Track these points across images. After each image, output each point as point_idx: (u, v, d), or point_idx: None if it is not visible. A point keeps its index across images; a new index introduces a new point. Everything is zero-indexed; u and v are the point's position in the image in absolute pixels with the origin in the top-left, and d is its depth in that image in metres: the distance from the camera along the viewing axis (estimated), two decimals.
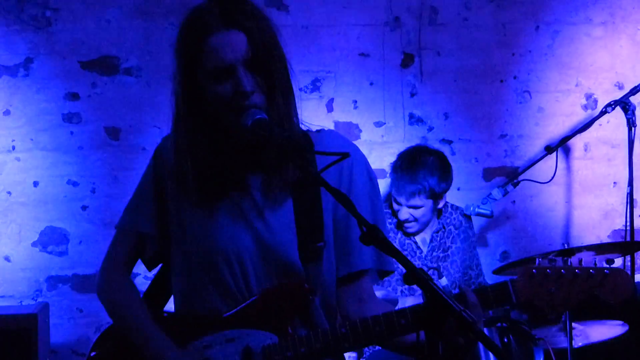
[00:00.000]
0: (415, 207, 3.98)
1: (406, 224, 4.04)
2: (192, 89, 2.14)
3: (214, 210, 2.21)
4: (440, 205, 4.06)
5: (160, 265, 2.41)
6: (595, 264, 2.14)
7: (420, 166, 3.98)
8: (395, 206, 4.06)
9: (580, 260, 2.18)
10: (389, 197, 4.15)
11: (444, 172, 4.03)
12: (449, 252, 4.12)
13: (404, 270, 1.71)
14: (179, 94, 2.19)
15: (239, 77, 2.07)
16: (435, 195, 3.99)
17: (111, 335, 2.35)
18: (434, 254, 4.08)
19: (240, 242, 2.19)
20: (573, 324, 3.72)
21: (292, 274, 2.20)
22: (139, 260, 2.38)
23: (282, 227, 2.20)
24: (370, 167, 2.32)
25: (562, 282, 2.10)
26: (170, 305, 2.42)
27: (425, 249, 4.10)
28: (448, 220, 4.16)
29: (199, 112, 2.14)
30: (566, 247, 3.68)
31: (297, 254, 2.19)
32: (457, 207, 4.23)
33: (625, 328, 3.92)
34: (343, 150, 2.05)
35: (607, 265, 2.14)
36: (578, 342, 3.76)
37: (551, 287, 2.10)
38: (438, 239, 4.12)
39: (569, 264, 2.14)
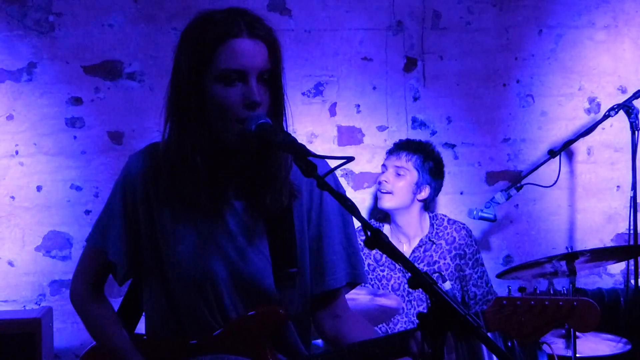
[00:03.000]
0: (399, 174, 3.99)
1: (382, 190, 4.00)
2: (194, 93, 2.10)
3: (187, 236, 2.18)
4: (420, 196, 4.02)
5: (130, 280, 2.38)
6: (564, 294, 2.25)
7: (419, 143, 4.10)
8: (380, 174, 4.08)
9: (549, 289, 2.28)
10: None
11: (438, 163, 4.09)
12: (434, 267, 4.00)
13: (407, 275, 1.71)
14: (177, 98, 2.15)
15: (251, 86, 2.06)
16: (422, 174, 4.00)
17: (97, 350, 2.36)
18: (420, 265, 4.00)
19: (214, 271, 2.17)
20: (577, 333, 3.71)
21: (267, 300, 2.20)
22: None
23: (256, 255, 2.19)
24: (339, 181, 2.33)
25: (532, 312, 2.19)
26: (140, 326, 2.42)
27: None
28: (441, 234, 4.06)
29: (197, 119, 2.11)
30: (570, 251, 3.67)
31: (272, 281, 2.19)
32: (455, 222, 4.11)
33: (629, 347, 3.89)
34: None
35: (577, 297, 2.28)
36: (578, 354, 3.74)
37: (521, 317, 2.18)
38: (422, 250, 4.03)
39: (537, 293, 2.24)
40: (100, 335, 2.34)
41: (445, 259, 4.04)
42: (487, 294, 4.08)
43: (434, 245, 4.04)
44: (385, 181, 4.01)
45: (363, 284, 3.80)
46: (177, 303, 2.21)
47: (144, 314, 2.37)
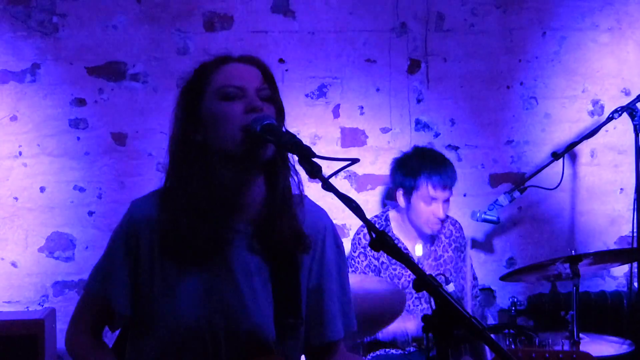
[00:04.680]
0: (447, 201, 4.00)
1: (435, 227, 3.99)
2: (193, 125, 2.12)
3: (190, 287, 2.12)
4: None
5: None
6: (563, 348, 2.31)
7: (444, 160, 4.05)
8: (422, 207, 3.97)
9: (548, 340, 2.33)
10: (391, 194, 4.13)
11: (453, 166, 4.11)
12: (441, 261, 4.07)
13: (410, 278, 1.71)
14: (178, 136, 2.15)
15: (250, 97, 2.08)
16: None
17: None
18: (426, 262, 4.04)
19: (214, 323, 2.12)
20: (580, 334, 3.71)
21: (267, 351, 2.15)
22: None
23: (260, 305, 2.14)
24: (339, 235, 2.33)
25: None
26: None
27: (416, 257, 4.06)
28: (440, 229, 4.10)
29: (198, 154, 2.11)
30: (573, 253, 3.66)
31: (273, 331, 2.14)
32: (447, 216, 4.15)
33: (632, 347, 3.89)
34: (319, 221, 2.08)
35: (575, 349, 2.32)
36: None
37: None
38: (429, 246, 4.08)
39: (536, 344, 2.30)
40: None
41: (447, 252, 4.11)
42: (475, 288, 4.15)
43: (437, 240, 4.10)
44: (443, 217, 3.99)
45: None
46: (170, 354, 2.13)
47: None
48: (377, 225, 4.02)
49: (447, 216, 4.16)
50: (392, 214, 4.13)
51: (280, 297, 2.16)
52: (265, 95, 2.11)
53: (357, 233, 4.03)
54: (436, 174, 3.95)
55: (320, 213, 2.26)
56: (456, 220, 4.21)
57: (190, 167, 2.11)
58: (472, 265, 4.18)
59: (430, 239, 4.09)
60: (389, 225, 4.10)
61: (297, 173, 2.19)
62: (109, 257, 2.20)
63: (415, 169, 3.99)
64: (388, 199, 4.47)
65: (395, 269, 3.98)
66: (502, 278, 3.93)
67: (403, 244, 4.06)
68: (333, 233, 2.29)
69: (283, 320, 2.15)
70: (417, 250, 4.03)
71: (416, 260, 4.03)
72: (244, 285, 2.13)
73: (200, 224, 2.09)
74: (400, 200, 4.05)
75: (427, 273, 1.70)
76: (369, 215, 4.15)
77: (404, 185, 4.03)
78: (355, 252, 3.99)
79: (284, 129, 2.13)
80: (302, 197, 2.23)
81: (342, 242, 2.32)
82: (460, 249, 4.14)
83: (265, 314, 2.14)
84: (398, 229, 4.09)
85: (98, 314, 2.23)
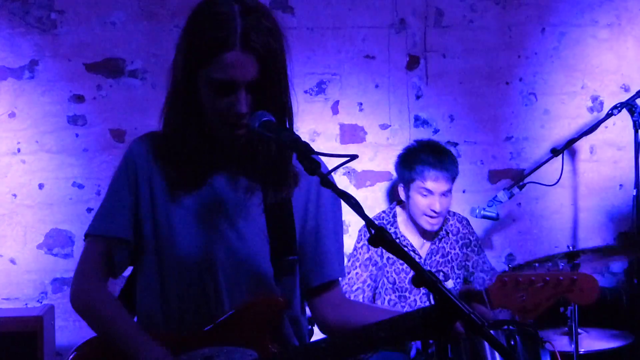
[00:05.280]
0: (446, 196, 3.96)
1: (431, 220, 3.96)
2: (188, 90, 2.13)
3: (185, 217, 2.18)
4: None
5: (127, 276, 2.35)
6: (562, 270, 2.36)
7: (444, 151, 4.03)
8: (419, 200, 3.95)
9: (548, 268, 2.42)
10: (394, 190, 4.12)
11: (455, 159, 4.08)
12: (448, 258, 4.07)
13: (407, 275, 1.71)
14: (173, 88, 2.18)
15: (238, 99, 2.06)
16: (453, 183, 4.01)
17: (93, 343, 2.30)
18: (434, 258, 4.05)
19: (212, 251, 2.17)
20: (579, 329, 3.72)
21: (264, 287, 2.19)
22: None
23: (255, 238, 2.19)
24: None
25: (533, 289, 2.27)
26: None
27: (423, 254, 4.07)
28: (446, 226, 4.10)
29: (190, 110, 2.14)
30: (572, 249, 3.67)
31: (269, 266, 2.19)
32: (455, 214, 4.17)
33: (630, 339, 3.90)
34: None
35: (575, 271, 2.40)
36: (581, 349, 3.74)
37: (522, 294, 2.27)
38: (438, 243, 4.09)
39: (541, 270, 2.34)
40: (110, 327, 2.22)
41: (455, 249, 4.10)
42: (492, 278, 4.11)
43: (444, 237, 4.08)
44: (440, 211, 3.94)
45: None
46: (172, 287, 2.19)
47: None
48: (384, 221, 4.06)
49: (454, 213, 4.17)
50: (399, 209, 4.13)
51: (276, 233, 2.20)
52: (257, 87, 2.08)
53: (365, 226, 4.03)
54: (432, 166, 3.92)
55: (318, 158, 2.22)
56: (463, 217, 4.20)
57: (184, 116, 2.15)
58: (486, 256, 4.22)
59: (436, 236, 4.08)
60: (396, 221, 4.10)
61: None
62: (110, 197, 2.26)
63: (411, 161, 3.99)
64: (392, 194, 4.47)
65: (402, 263, 3.97)
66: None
67: (408, 240, 4.06)
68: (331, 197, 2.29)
69: (279, 258, 2.19)
70: (423, 249, 4.04)
71: (422, 258, 4.05)
72: (238, 218, 2.18)
73: (190, 159, 2.16)
74: (402, 194, 4.06)
75: (431, 269, 1.71)
76: (376, 210, 4.21)
77: (404, 179, 4.04)
78: (359, 243, 4.02)
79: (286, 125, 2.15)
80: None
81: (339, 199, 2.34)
82: (468, 245, 4.13)
83: (260, 246, 2.18)
84: (404, 225, 4.09)
85: (102, 256, 2.24)
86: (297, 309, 2.29)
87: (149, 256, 2.22)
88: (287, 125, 2.17)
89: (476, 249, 4.16)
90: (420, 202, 3.95)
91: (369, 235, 1.78)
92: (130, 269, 2.32)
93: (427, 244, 4.07)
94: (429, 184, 3.91)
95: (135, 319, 2.28)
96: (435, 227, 4.00)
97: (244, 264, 2.18)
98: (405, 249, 4.03)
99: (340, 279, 2.35)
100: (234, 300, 2.18)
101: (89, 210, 4.28)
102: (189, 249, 2.17)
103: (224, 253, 2.17)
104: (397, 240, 4.02)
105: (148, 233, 2.21)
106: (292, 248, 2.22)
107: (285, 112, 2.16)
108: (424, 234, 4.06)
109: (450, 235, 4.10)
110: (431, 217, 3.95)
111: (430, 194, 3.93)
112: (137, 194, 2.22)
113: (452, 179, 3.99)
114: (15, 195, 4.26)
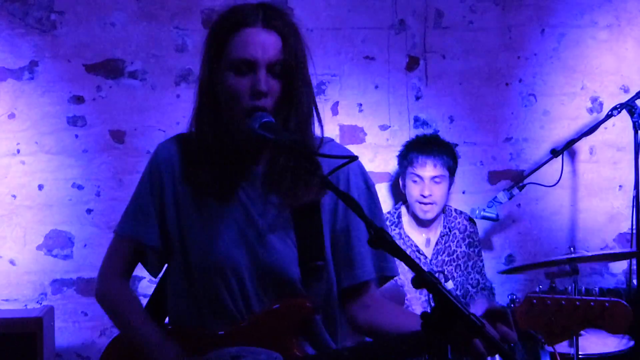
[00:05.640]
0: (437, 182, 3.99)
1: (424, 207, 4.01)
2: (211, 84, 2.15)
3: (210, 221, 2.19)
4: (449, 190, 4.10)
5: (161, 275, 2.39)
6: (595, 294, 2.21)
7: (437, 140, 4.13)
8: (410, 186, 4.03)
9: (580, 291, 2.25)
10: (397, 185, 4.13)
11: (456, 156, 4.15)
12: (454, 256, 4.10)
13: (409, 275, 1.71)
14: (200, 88, 2.19)
15: (258, 77, 2.08)
16: (450, 171, 4.06)
17: (119, 343, 2.34)
18: (440, 257, 4.07)
19: (235, 256, 2.17)
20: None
21: (292, 291, 2.19)
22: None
23: (281, 244, 2.18)
24: (369, 175, 2.32)
25: (562, 312, 2.17)
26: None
27: (429, 253, 4.08)
28: (453, 224, 4.15)
29: (213, 110, 2.15)
30: (572, 250, 3.67)
31: (297, 272, 2.18)
32: (462, 212, 4.22)
33: (631, 343, 3.89)
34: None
35: (607, 298, 2.21)
36: (581, 352, 3.74)
37: (551, 316, 2.17)
38: (444, 242, 4.10)
39: (569, 292, 2.20)
40: (130, 326, 2.30)
41: (461, 247, 4.13)
42: (484, 282, 4.14)
43: (450, 235, 4.11)
44: (430, 195, 4.00)
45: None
46: (199, 290, 2.21)
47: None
48: (388, 222, 4.07)
49: (462, 212, 4.22)
50: (403, 209, 4.16)
51: (304, 239, 2.19)
52: (278, 71, 2.11)
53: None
54: (421, 151, 4.03)
55: (345, 154, 2.17)
56: (468, 215, 4.24)
57: (210, 116, 2.16)
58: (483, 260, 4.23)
59: (439, 234, 4.10)
60: (400, 222, 4.11)
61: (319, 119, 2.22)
62: (136, 199, 2.30)
63: (408, 149, 4.12)
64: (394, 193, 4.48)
65: (404, 272, 3.97)
66: (501, 272, 3.96)
67: (413, 241, 4.07)
68: (360, 172, 2.29)
69: (307, 263, 2.18)
70: (428, 250, 4.04)
71: (429, 259, 4.05)
72: (262, 223, 2.18)
73: (216, 166, 2.16)
74: (401, 185, 4.15)
75: (435, 269, 1.71)
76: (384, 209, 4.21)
77: (401, 167, 4.15)
78: None
79: (311, 114, 2.17)
80: (324, 139, 2.25)
81: (373, 183, 2.32)
82: (472, 245, 4.16)
83: (287, 253, 2.18)
84: (409, 225, 4.12)
85: (128, 255, 2.32)
86: (332, 311, 2.29)
87: (177, 259, 2.25)
88: (313, 128, 2.19)
89: (477, 250, 4.19)
90: (412, 188, 4.04)
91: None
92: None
93: (433, 243, 4.08)
94: (418, 170, 4.01)
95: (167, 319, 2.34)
96: (429, 215, 4.03)
97: (272, 269, 2.18)
98: (410, 249, 4.05)
99: (373, 278, 2.30)
100: (262, 304, 2.19)
101: (89, 211, 4.28)
102: (216, 255, 2.17)
103: (251, 260, 2.17)
104: (402, 242, 4.04)
105: (174, 237, 2.23)
106: (320, 253, 2.21)
107: (303, 108, 2.16)
108: (427, 230, 4.09)
109: (457, 233, 4.13)
110: (423, 203, 4.00)
111: (420, 180, 4.01)
112: (162, 198, 2.24)
113: (444, 166, 4.03)
114: (14, 196, 4.26)
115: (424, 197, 4.00)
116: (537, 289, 3.52)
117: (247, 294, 2.18)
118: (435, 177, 4.00)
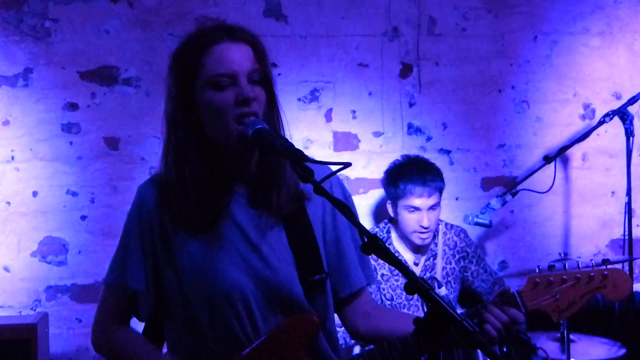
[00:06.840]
0: (433, 209, 3.92)
1: (422, 235, 3.94)
2: (188, 106, 2.13)
3: (207, 251, 2.16)
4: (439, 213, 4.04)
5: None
6: (592, 266, 2.31)
7: (425, 165, 4.00)
8: (406, 216, 3.94)
9: (578, 264, 2.37)
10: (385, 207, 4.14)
11: (440, 171, 4.05)
12: (443, 273, 4.04)
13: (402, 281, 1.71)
14: (173, 112, 2.17)
15: (241, 86, 2.08)
16: (441, 193, 3.99)
17: None
18: (427, 274, 4.02)
19: (241, 283, 2.15)
20: (571, 336, 3.72)
21: (298, 308, 2.19)
22: None
23: (281, 262, 2.18)
24: (346, 188, 2.37)
25: (565, 287, 2.26)
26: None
27: (418, 271, 4.00)
28: (442, 240, 4.08)
29: (193, 130, 2.13)
30: (563, 257, 3.68)
31: (300, 289, 2.18)
32: (452, 227, 4.15)
33: (623, 351, 3.90)
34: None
35: (605, 266, 2.31)
36: (572, 357, 3.75)
37: (556, 292, 2.25)
38: (432, 259, 4.05)
39: (567, 269, 2.32)
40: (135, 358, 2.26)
41: (450, 264, 4.08)
42: (494, 284, 4.11)
43: (439, 252, 4.06)
44: (428, 227, 3.92)
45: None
46: (203, 326, 2.17)
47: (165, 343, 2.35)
48: None
49: (452, 226, 4.15)
50: (391, 227, 4.12)
51: (300, 254, 2.19)
52: (257, 78, 2.12)
53: None
54: (416, 182, 3.90)
55: (325, 169, 2.17)
56: (461, 229, 4.17)
57: (186, 150, 2.14)
58: (487, 264, 4.21)
59: (428, 252, 4.07)
60: (390, 237, 4.09)
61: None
62: (123, 246, 2.26)
63: (397, 178, 3.97)
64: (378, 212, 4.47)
65: (397, 280, 3.97)
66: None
67: (402, 257, 4.03)
68: (340, 184, 2.32)
69: (307, 278, 2.19)
70: (418, 267, 4.02)
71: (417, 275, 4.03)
72: (262, 246, 2.17)
73: (199, 197, 2.13)
74: (390, 211, 4.05)
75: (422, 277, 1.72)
76: (370, 218, 4.20)
77: (390, 196, 4.03)
78: None
79: (279, 124, 2.18)
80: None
81: (350, 195, 2.36)
82: (465, 257, 4.11)
83: (289, 271, 2.18)
84: (397, 242, 4.08)
85: (121, 303, 2.27)
86: (331, 325, 2.30)
87: (174, 300, 2.20)
88: (281, 127, 2.20)
89: (474, 259, 4.13)
90: (408, 218, 3.94)
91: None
92: None
93: (421, 262, 4.05)
94: (415, 201, 3.91)
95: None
96: (427, 241, 3.98)
97: (277, 289, 2.17)
98: None
99: (368, 285, 2.35)
100: (267, 324, 2.18)
101: (83, 217, 4.28)
102: (218, 284, 2.15)
103: (256, 282, 2.16)
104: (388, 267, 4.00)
105: (170, 278, 2.20)
106: (319, 267, 2.22)
107: (278, 111, 2.20)
108: (417, 249, 4.05)
109: (447, 250, 4.07)
110: (422, 232, 3.95)
111: (417, 210, 3.92)
112: (151, 241, 2.21)
113: (439, 191, 3.97)
114: (9, 203, 4.26)
115: (425, 227, 3.92)
116: (537, 270, 3.53)
117: (253, 317, 2.16)
118: (431, 206, 3.93)
